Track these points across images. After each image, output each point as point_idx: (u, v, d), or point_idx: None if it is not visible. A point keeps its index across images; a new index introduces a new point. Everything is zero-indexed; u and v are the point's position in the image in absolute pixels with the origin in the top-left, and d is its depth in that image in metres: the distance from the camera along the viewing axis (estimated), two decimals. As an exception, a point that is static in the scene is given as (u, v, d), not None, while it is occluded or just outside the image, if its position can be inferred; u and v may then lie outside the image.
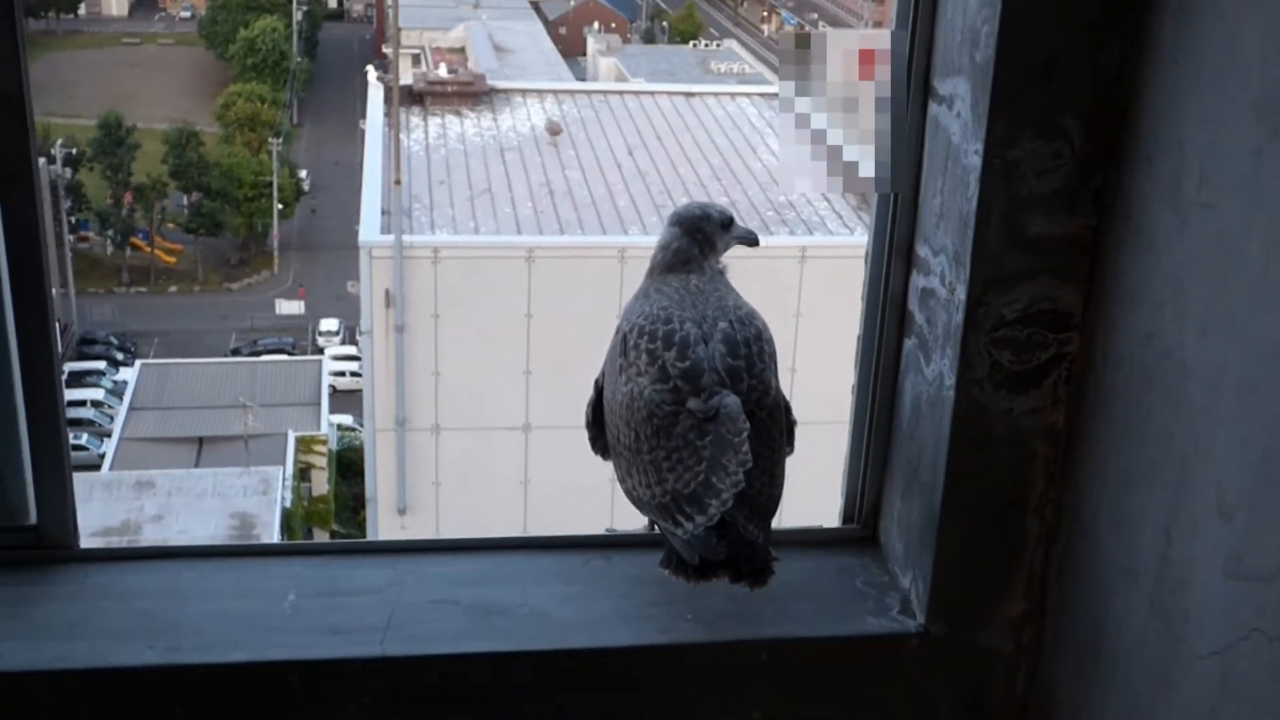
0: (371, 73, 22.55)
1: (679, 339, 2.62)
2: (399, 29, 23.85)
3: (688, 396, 2.58)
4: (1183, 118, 2.29)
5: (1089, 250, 2.55)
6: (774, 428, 2.67)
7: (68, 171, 48.28)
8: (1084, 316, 2.59)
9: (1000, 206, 2.51)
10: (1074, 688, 2.69)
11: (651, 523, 2.97)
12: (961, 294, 2.57)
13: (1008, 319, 2.58)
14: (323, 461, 28.79)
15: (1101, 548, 2.57)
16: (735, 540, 2.59)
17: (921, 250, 2.76)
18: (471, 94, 22.07)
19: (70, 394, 34.39)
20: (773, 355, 2.71)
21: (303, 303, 45.72)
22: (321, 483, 28.66)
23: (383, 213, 17.44)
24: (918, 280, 2.78)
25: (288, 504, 25.02)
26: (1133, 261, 2.44)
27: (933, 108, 2.69)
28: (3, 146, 2.55)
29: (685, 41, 63.76)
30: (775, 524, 2.72)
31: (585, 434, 2.84)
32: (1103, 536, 2.56)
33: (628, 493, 2.72)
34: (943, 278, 2.65)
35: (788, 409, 2.79)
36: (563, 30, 65.70)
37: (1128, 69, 2.43)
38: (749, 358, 2.64)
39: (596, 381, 2.82)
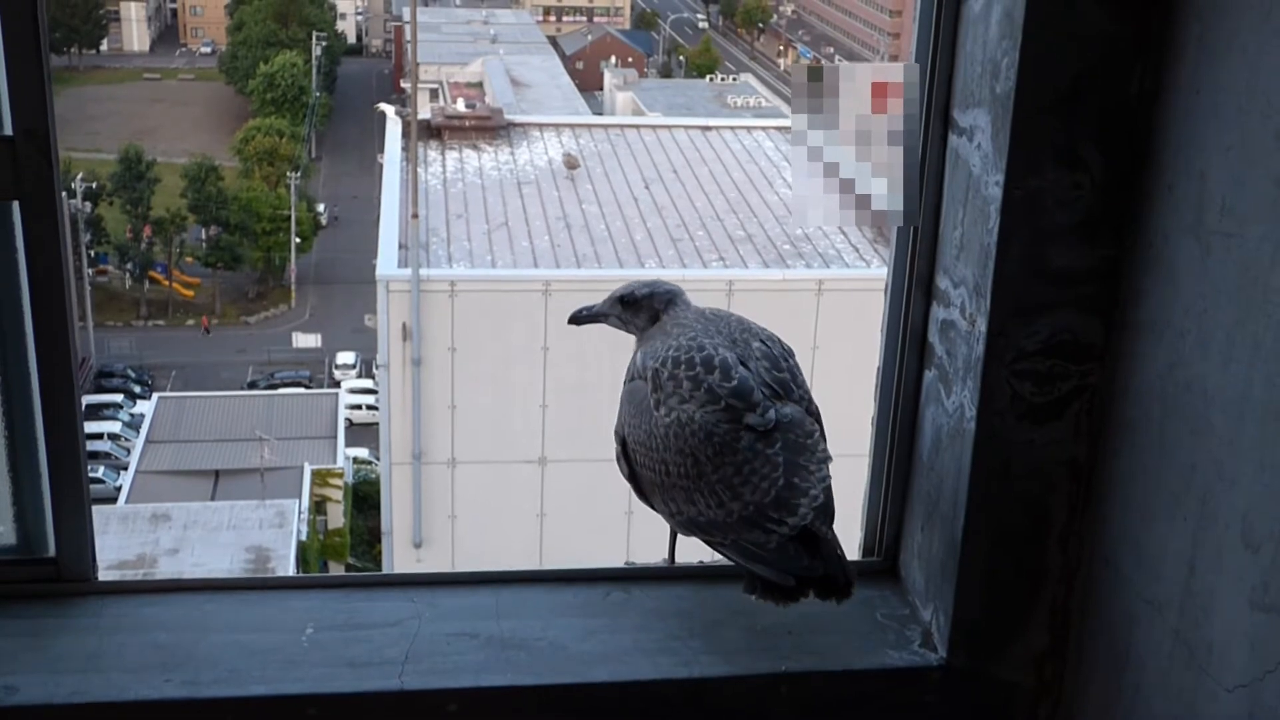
0: (388, 109, 22.60)
1: (719, 362, 2.66)
2: (417, 64, 23.95)
3: (743, 413, 2.61)
4: (1204, 147, 2.29)
5: (1110, 280, 2.54)
6: (823, 436, 2.72)
7: (88, 206, 48.62)
8: (1106, 347, 2.58)
9: (1021, 237, 2.50)
10: (1098, 722, 2.66)
11: (672, 555, 2.96)
12: (982, 326, 2.56)
13: (1029, 350, 2.57)
14: (338, 495, 28.79)
15: (1124, 580, 2.55)
16: (827, 553, 2.62)
17: (942, 282, 2.76)
18: (489, 128, 22.15)
19: (87, 427, 34.44)
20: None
21: (319, 336, 45.85)
22: (337, 516, 28.66)
23: (400, 247, 17.49)
24: (938, 312, 2.78)
25: (303, 537, 25.00)
26: (1154, 291, 2.43)
27: (953, 139, 2.69)
28: (29, 182, 2.56)
29: (702, 75, 64.10)
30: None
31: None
32: (1125, 568, 2.55)
33: (691, 520, 2.69)
34: (963, 309, 2.65)
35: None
36: (580, 65, 66.19)
37: (1148, 99, 2.43)
38: (791, 370, 2.72)
39: (617, 433, 2.81)
